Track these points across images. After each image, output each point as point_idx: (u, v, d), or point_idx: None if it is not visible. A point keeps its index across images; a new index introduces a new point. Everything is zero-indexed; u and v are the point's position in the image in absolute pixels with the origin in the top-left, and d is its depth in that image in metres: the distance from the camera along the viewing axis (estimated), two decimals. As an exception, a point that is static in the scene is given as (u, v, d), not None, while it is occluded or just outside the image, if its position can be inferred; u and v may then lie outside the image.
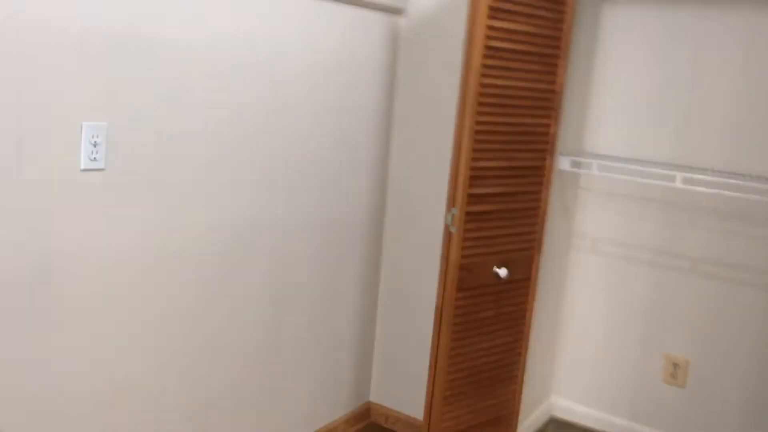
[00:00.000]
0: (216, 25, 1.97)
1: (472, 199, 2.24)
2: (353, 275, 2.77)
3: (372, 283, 2.90)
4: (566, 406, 3.18)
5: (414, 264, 2.87)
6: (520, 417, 2.77)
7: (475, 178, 2.23)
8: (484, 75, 2.15)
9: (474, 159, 2.20)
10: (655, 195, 2.86)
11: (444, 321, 2.29)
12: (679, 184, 2.57)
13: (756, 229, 2.69)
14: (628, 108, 2.88)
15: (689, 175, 2.59)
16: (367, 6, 2.54)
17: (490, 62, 2.15)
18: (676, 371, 2.93)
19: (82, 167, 1.68)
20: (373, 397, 3.04)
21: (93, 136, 1.68)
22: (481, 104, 2.17)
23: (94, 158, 1.70)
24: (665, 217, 2.86)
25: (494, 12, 2.12)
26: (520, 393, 2.63)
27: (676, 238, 2.85)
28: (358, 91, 2.58)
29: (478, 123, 2.18)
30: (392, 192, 2.88)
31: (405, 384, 2.96)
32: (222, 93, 2.03)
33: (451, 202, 2.22)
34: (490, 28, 2.12)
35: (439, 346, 2.32)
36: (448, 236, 2.26)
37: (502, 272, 2.37)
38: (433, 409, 2.36)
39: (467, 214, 2.24)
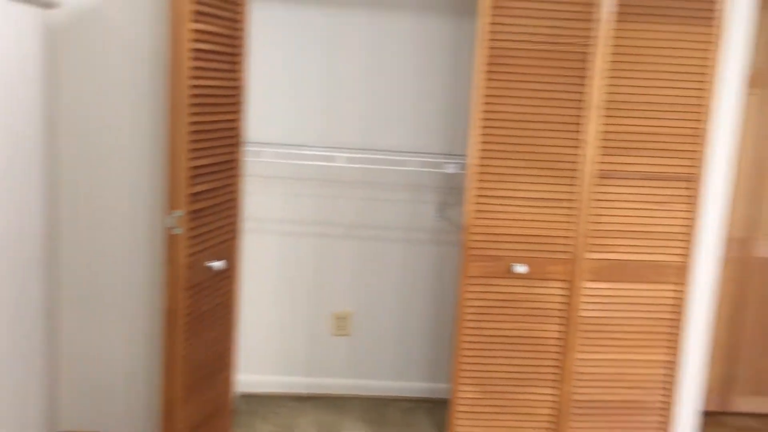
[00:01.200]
0: None
1: (190, 198, 2.27)
2: (34, 299, 2.50)
3: (54, 303, 2.65)
4: (251, 379, 3.38)
5: (95, 277, 2.71)
6: (230, 399, 2.90)
7: (192, 177, 2.26)
8: (192, 77, 2.18)
9: (190, 159, 2.23)
10: (308, 174, 3.21)
11: (177, 323, 2.29)
12: (341, 163, 2.96)
13: (389, 194, 3.26)
14: (279, 98, 3.15)
15: (345, 154, 3.00)
16: None
17: (195, 64, 2.19)
18: (341, 323, 3.38)
19: None
20: (67, 425, 2.80)
21: None
22: (191, 105, 2.20)
23: None
24: (318, 193, 3.24)
25: (197, 15, 2.16)
26: (234, 378, 2.75)
27: (330, 209, 3.26)
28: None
29: (191, 124, 2.21)
30: (67, 203, 2.65)
31: (98, 402, 2.80)
32: None
33: (173, 204, 2.22)
34: (194, 31, 2.16)
35: (173, 348, 2.31)
36: (171, 239, 2.25)
37: (218, 264, 2.45)
38: (174, 414, 2.34)
39: (187, 213, 2.27)
